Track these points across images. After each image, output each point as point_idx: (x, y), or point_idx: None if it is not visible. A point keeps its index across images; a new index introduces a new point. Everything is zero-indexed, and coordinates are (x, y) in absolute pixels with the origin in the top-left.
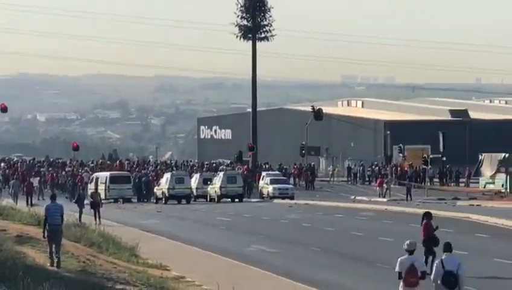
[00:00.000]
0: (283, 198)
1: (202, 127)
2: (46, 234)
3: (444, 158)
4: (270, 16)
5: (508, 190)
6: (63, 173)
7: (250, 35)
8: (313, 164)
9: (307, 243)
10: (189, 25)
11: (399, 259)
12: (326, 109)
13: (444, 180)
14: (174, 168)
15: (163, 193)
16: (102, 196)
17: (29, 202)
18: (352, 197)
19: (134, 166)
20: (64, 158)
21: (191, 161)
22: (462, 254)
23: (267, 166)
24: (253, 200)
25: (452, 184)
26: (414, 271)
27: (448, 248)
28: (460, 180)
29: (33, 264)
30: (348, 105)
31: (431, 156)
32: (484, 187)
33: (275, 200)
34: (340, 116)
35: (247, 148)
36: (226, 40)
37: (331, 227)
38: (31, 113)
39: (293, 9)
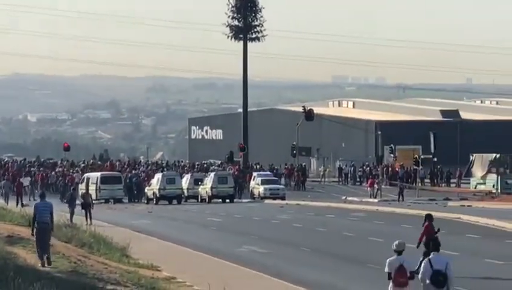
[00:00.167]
0: (274, 198)
1: (193, 128)
2: (34, 232)
3: (435, 159)
4: (261, 17)
5: (499, 191)
6: (53, 173)
7: (241, 36)
8: (304, 164)
9: (298, 244)
10: (180, 25)
11: (388, 260)
12: (317, 110)
13: (435, 180)
14: (165, 169)
15: (154, 193)
16: (93, 196)
17: (20, 202)
18: (344, 197)
19: (125, 166)
20: (55, 158)
21: (182, 161)
22: (453, 255)
23: (258, 166)
24: (244, 200)
25: (443, 185)
26: (403, 271)
27: (436, 247)
28: (452, 180)
29: (24, 264)
30: (339, 105)
31: (422, 156)
32: (475, 188)
33: (266, 201)
34: (331, 117)
35: (238, 149)
36: (217, 41)
37: (322, 227)
38: (22, 113)
39: (284, 10)
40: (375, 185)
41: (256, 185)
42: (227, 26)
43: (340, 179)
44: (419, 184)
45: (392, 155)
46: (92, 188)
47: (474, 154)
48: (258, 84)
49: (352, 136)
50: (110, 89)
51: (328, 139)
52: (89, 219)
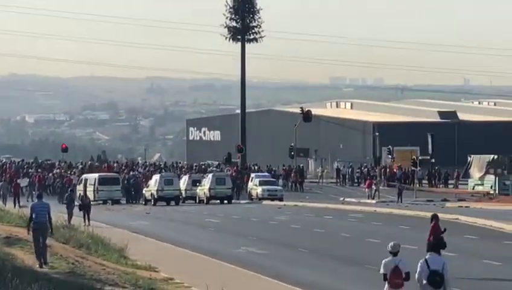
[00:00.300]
0: (272, 199)
1: (191, 129)
2: (31, 231)
3: (433, 160)
4: (259, 18)
5: (497, 192)
6: (50, 174)
7: (239, 37)
8: (302, 165)
9: (296, 245)
10: (179, 26)
11: (383, 261)
12: (315, 111)
13: (433, 181)
14: (163, 170)
15: (152, 194)
16: (91, 197)
17: (17, 204)
18: (341, 198)
19: (123, 167)
20: (53, 159)
21: (180, 163)
22: (451, 255)
23: (256, 167)
24: (242, 201)
25: (441, 186)
26: (398, 273)
27: (432, 247)
28: (449, 181)
29: (22, 265)
30: (337, 107)
31: (420, 157)
32: (473, 189)
33: (264, 202)
34: (329, 118)
35: (236, 150)
36: (215, 42)
37: (320, 228)
38: (20, 114)
39: (281, 11)
40: (373, 186)
41: (254, 186)
42: (225, 27)
43: (338, 180)
44: (417, 185)
45: (390, 156)
46: (90, 189)
47: (472, 156)
48: (256, 85)
49: (350, 137)
50: (108, 90)
51: (326, 140)
52: (87, 220)
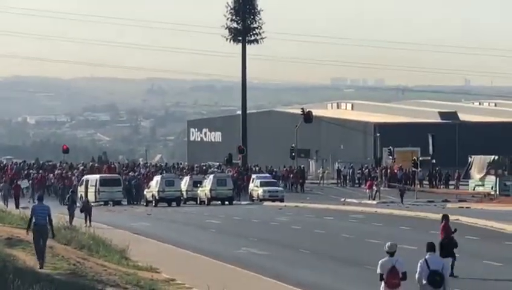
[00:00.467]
0: (273, 200)
1: (192, 130)
2: (30, 233)
3: (434, 160)
4: (260, 19)
5: (498, 192)
6: (51, 175)
7: (240, 38)
8: (302, 166)
9: (297, 246)
10: (179, 27)
11: (380, 261)
12: (316, 112)
13: (434, 182)
14: (164, 171)
15: (153, 195)
16: (93, 198)
17: (18, 205)
18: (342, 199)
19: (124, 168)
20: (54, 161)
21: (181, 164)
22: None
23: (257, 168)
24: (243, 202)
25: (442, 186)
26: (395, 273)
27: (431, 247)
28: (450, 182)
29: (23, 267)
30: (338, 107)
31: (420, 158)
32: (474, 189)
33: (265, 203)
34: (330, 119)
35: (237, 151)
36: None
37: (321, 229)
38: (21, 115)
39: (282, 12)
40: (374, 187)
41: (255, 187)
42: (226, 28)
43: (339, 181)
44: (418, 186)
45: (390, 157)
46: (91, 191)
47: (473, 156)
48: (257, 86)
49: (350, 138)
50: (109, 91)
51: (326, 141)
52: (88, 221)
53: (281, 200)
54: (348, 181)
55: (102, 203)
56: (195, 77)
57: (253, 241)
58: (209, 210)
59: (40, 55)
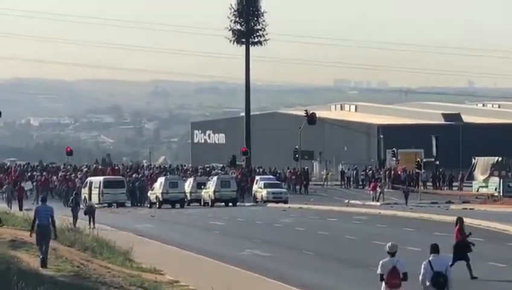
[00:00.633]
0: (277, 202)
1: (196, 132)
2: (34, 234)
3: (437, 162)
4: (263, 21)
5: (501, 194)
6: (54, 178)
7: (243, 40)
8: (306, 168)
9: (300, 247)
10: (183, 29)
11: (381, 261)
12: (319, 113)
13: (437, 184)
14: (168, 173)
15: (157, 197)
16: (96, 200)
17: (21, 207)
18: (346, 201)
19: (128, 170)
20: (57, 163)
21: (184, 165)
22: None
23: (260, 170)
24: (247, 204)
25: (445, 188)
26: (396, 273)
27: (435, 249)
28: (454, 184)
29: (27, 268)
30: (341, 109)
31: (424, 160)
32: (477, 191)
33: (269, 204)
34: (334, 121)
35: (240, 153)
36: (220, 45)
37: (324, 231)
38: (25, 117)
39: (286, 14)
40: (378, 189)
41: (259, 188)
42: (229, 30)
43: (343, 183)
44: (422, 187)
45: (394, 159)
46: (95, 192)
47: (477, 158)
48: (260, 88)
49: (354, 139)
50: (113, 93)
51: (330, 142)
52: (92, 223)
53: (285, 202)
54: (351, 183)
55: (106, 205)
56: (199, 79)
57: (257, 242)
58: (212, 212)
59: (41, 57)
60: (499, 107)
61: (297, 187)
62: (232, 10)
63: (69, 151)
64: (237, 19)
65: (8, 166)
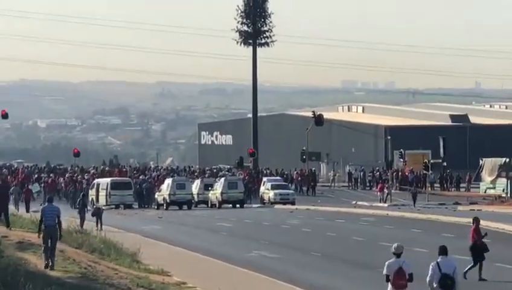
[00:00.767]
0: (284, 203)
1: (203, 133)
2: (41, 235)
3: (445, 163)
4: (271, 22)
5: (509, 195)
6: (61, 179)
7: (250, 41)
8: (313, 169)
9: (308, 249)
10: (190, 30)
11: (387, 262)
12: (326, 115)
13: (445, 185)
14: (175, 174)
15: (164, 198)
16: (103, 202)
17: (28, 209)
18: (353, 202)
19: (135, 172)
20: (65, 164)
21: (192, 167)
22: (464, 259)
23: (268, 171)
24: (254, 205)
25: (453, 189)
26: (402, 274)
27: (443, 251)
28: (461, 185)
29: (35, 270)
30: (349, 110)
31: (432, 161)
32: (485, 192)
33: (276, 206)
34: (341, 122)
35: (248, 154)
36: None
37: (332, 232)
38: (32, 119)
39: (293, 15)
40: (385, 190)
41: (266, 190)
42: (236, 31)
43: (350, 184)
44: (429, 189)
45: (401, 160)
46: (102, 194)
47: (484, 159)
48: (268, 89)
49: (361, 141)
50: (119, 94)
51: (337, 144)
52: (99, 225)
53: (292, 203)
54: (359, 184)
55: (113, 206)
56: (206, 80)
57: (264, 244)
58: (220, 213)
59: (46, 59)
60: (506, 108)
61: (305, 188)
62: (239, 11)
63: (76, 153)
64: (244, 20)
65: (15, 168)
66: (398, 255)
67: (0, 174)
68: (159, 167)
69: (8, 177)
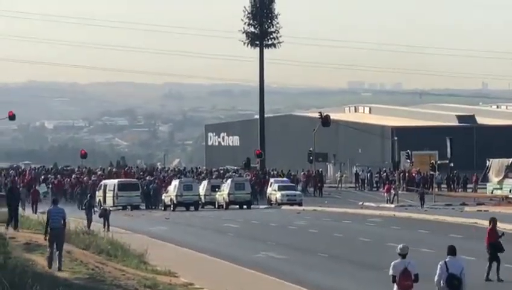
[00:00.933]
0: (291, 204)
1: (210, 134)
2: (47, 237)
3: (452, 164)
4: (277, 23)
5: None
6: (69, 180)
7: (257, 42)
8: (320, 170)
9: (315, 250)
10: (197, 32)
11: (392, 263)
12: (333, 115)
13: (452, 186)
14: (183, 175)
15: (171, 199)
16: (111, 203)
17: (35, 210)
18: (360, 203)
19: (142, 173)
20: (72, 165)
21: (199, 168)
22: (471, 260)
23: (275, 172)
24: (261, 206)
25: (460, 190)
26: (407, 274)
27: (452, 251)
28: (468, 185)
29: (42, 271)
30: (355, 111)
31: (438, 161)
32: (492, 193)
33: (283, 207)
34: (348, 123)
35: (255, 155)
36: (234, 47)
37: (339, 233)
38: (39, 120)
39: (299, 17)
40: (392, 191)
41: (273, 191)
42: (243, 32)
43: (357, 185)
44: (436, 189)
45: (408, 161)
46: (110, 195)
47: (491, 159)
48: (275, 90)
49: (368, 141)
50: (127, 96)
51: (344, 145)
52: (106, 226)
53: (299, 204)
54: (366, 185)
55: (120, 207)
56: (213, 82)
57: (271, 245)
58: (227, 214)
59: (54, 61)
60: None
61: (312, 189)
62: (246, 13)
63: (84, 154)
64: (251, 22)
65: (22, 169)
66: (403, 255)
67: (8, 176)
68: (166, 168)
69: (16, 178)
